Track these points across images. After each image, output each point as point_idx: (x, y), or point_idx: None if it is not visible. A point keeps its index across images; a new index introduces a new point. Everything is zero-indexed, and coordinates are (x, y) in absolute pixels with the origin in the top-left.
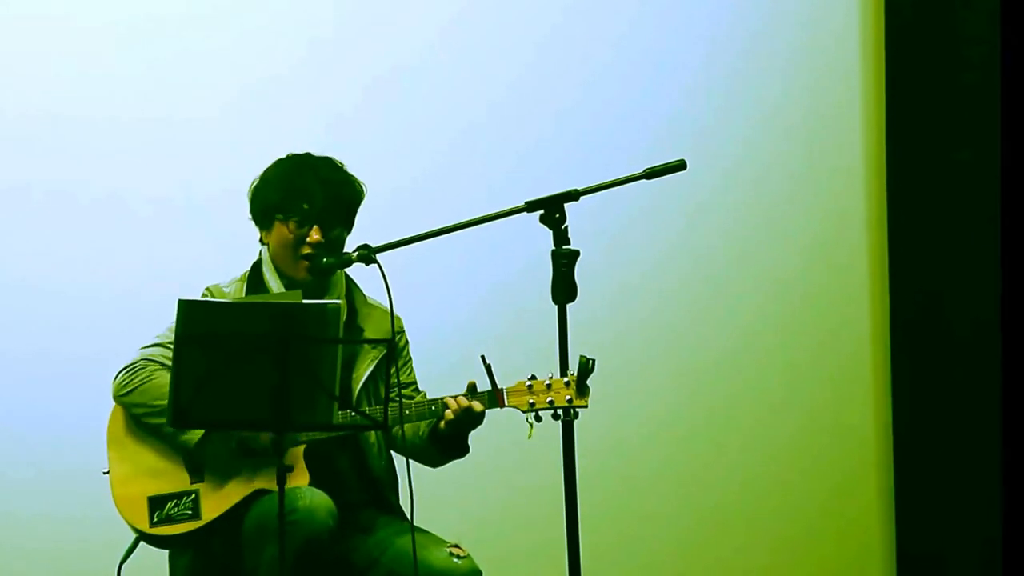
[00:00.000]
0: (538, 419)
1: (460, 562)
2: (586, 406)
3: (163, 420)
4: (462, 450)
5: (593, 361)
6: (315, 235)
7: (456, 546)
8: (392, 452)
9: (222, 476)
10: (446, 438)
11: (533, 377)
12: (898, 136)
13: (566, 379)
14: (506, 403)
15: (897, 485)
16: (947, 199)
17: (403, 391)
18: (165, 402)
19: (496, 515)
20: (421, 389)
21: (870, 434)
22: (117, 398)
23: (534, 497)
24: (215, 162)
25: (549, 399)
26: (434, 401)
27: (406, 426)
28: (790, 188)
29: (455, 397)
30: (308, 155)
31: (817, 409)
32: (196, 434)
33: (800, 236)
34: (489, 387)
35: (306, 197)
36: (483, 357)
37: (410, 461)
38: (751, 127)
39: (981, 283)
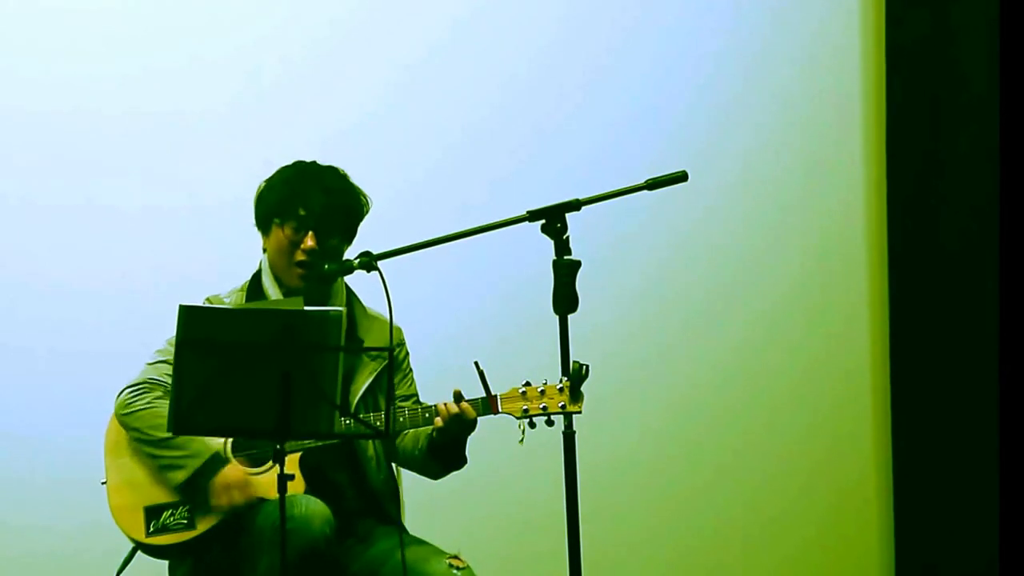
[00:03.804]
0: (532, 425)
1: (459, 573)
2: (580, 411)
3: (155, 451)
4: (459, 461)
5: (587, 367)
6: (309, 241)
7: (456, 557)
8: (392, 464)
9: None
10: (441, 448)
11: (527, 384)
12: (898, 148)
13: (560, 385)
14: (500, 409)
15: (896, 496)
16: (947, 211)
17: (403, 404)
18: (161, 434)
19: (497, 526)
20: (422, 400)
21: (870, 446)
22: (118, 415)
23: (535, 508)
24: (223, 168)
25: (542, 405)
26: (428, 408)
27: (406, 438)
28: (791, 200)
29: (445, 404)
30: (313, 163)
31: (817, 420)
32: (180, 475)
33: (800, 248)
34: (483, 394)
35: (304, 202)
36: (476, 363)
37: (404, 472)
38: (753, 139)
39: (980, 295)
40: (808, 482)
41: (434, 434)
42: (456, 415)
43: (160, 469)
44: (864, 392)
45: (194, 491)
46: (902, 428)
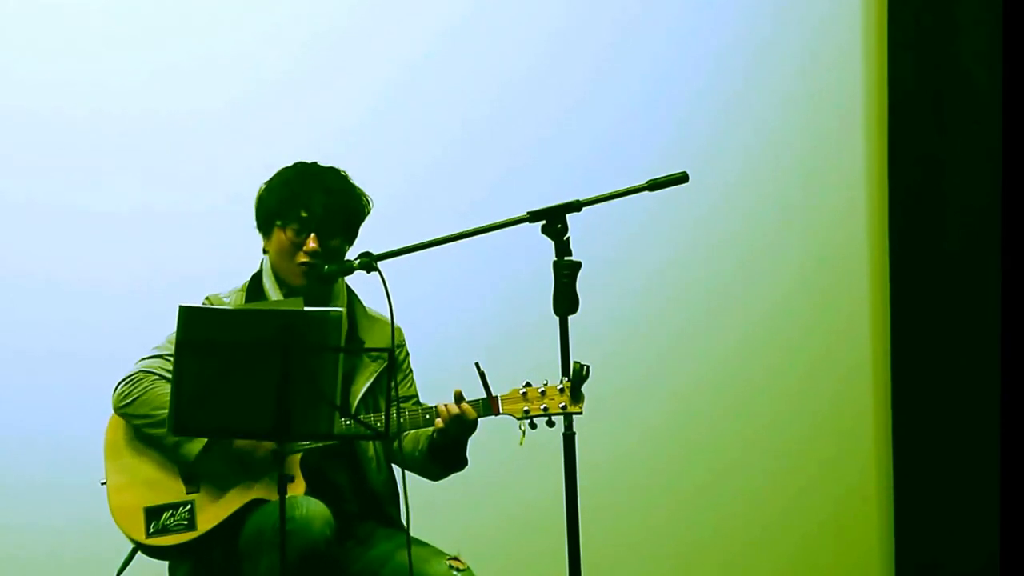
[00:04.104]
0: (532, 426)
1: (459, 575)
2: (580, 412)
3: (163, 431)
4: (459, 462)
5: (587, 368)
6: (312, 243)
7: (455, 558)
8: (392, 465)
9: (218, 487)
10: (442, 449)
11: (528, 384)
12: (900, 146)
13: (560, 386)
14: (501, 411)
15: (897, 495)
16: (948, 210)
17: (403, 404)
18: (165, 412)
19: (497, 527)
20: (423, 401)
21: (871, 445)
22: (117, 410)
23: (535, 508)
24: (223, 168)
25: (543, 406)
26: (428, 409)
27: (406, 440)
28: (792, 200)
29: (446, 405)
30: (314, 164)
31: (818, 420)
32: (196, 447)
33: (802, 248)
34: (484, 395)
35: (305, 204)
36: (477, 364)
37: (406, 473)
38: (754, 139)
39: (982, 293)
40: (809, 481)
41: (435, 435)
42: (456, 416)
43: (173, 449)
44: (865, 391)
45: (213, 462)
46: (903, 426)
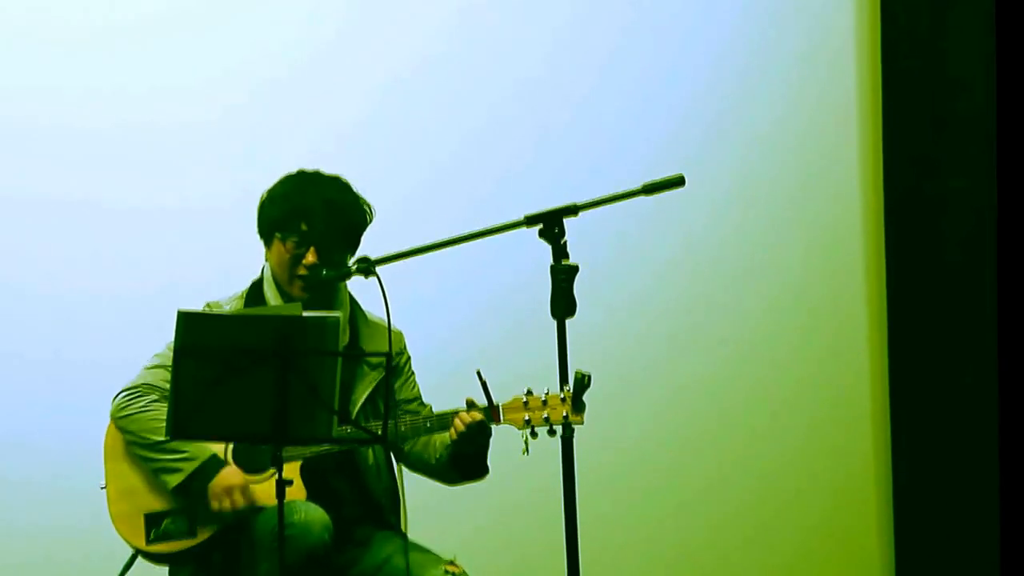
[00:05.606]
0: (534, 435)
1: None
2: (582, 422)
3: (149, 454)
4: (482, 470)
5: (589, 377)
6: (311, 257)
7: (451, 563)
8: (394, 472)
9: None
10: (466, 458)
11: (529, 392)
12: (894, 151)
13: (562, 395)
14: (502, 420)
15: (896, 501)
16: (944, 213)
17: (407, 406)
18: (156, 437)
19: (495, 531)
20: (426, 403)
21: (869, 450)
22: (114, 419)
23: (533, 512)
24: (225, 172)
25: (545, 415)
26: (429, 417)
27: (419, 446)
28: (789, 204)
29: (468, 412)
30: (317, 173)
31: (816, 424)
32: (176, 478)
33: (798, 251)
34: (485, 403)
35: (305, 217)
36: (479, 372)
37: (404, 474)
38: (750, 143)
39: (978, 299)
40: (807, 488)
41: (458, 445)
42: (480, 423)
43: (155, 473)
44: (863, 395)
45: (191, 496)
46: (901, 432)
